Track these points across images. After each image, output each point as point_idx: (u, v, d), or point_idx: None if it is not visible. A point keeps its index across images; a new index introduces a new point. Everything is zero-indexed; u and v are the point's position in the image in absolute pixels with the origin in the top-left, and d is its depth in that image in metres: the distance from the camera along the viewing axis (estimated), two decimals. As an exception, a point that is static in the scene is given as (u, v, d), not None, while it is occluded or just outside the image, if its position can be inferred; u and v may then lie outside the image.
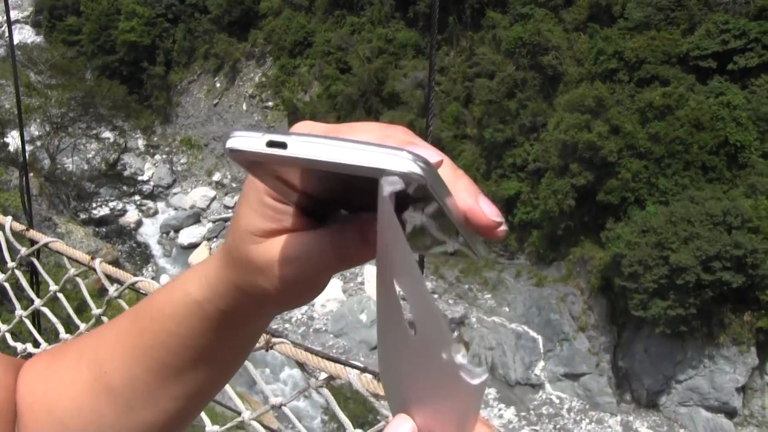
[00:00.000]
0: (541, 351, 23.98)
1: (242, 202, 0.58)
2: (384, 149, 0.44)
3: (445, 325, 0.42)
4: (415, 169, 0.44)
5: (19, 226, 2.19)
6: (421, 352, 0.45)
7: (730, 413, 21.38)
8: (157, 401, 0.70)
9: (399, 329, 0.47)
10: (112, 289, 1.90)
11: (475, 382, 0.43)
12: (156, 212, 33.50)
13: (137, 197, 34.03)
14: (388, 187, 0.43)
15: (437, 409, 0.47)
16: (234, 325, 0.66)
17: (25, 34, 41.07)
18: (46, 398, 0.74)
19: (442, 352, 0.43)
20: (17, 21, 41.11)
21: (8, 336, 2.42)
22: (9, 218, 2.17)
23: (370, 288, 25.97)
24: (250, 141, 0.46)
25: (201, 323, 0.65)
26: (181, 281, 0.68)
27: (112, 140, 33.70)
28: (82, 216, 30.77)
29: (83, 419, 0.72)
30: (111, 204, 32.96)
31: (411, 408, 0.49)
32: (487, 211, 0.49)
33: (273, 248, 0.57)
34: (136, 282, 1.87)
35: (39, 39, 40.84)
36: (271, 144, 0.46)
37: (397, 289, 0.45)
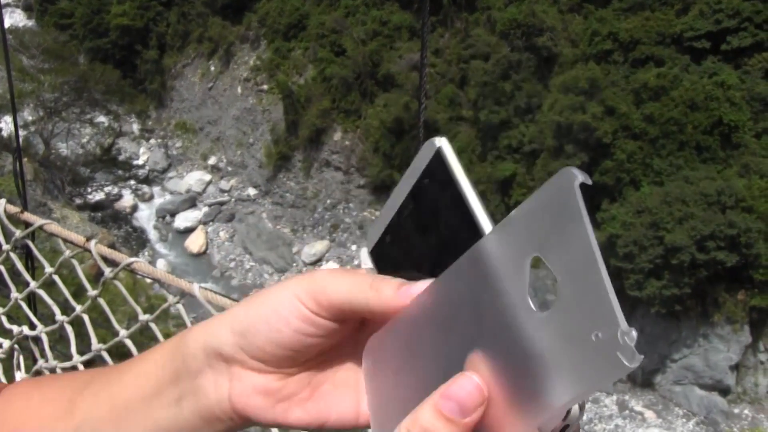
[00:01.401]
0: (537, 332, 24.10)
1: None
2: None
3: (614, 297, 0.36)
4: None
5: (13, 209, 2.20)
6: (555, 332, 0.39)
7: (724, 391, 21.55)
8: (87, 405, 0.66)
9: (517, 308, 0.42)
10: (108, 271, 1.92)
11: (633, 364, 0.36)
12: (151, 197, 33.42)
13: (132, 182, 33.91)
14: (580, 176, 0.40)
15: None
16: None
17: (16, 18, 40.72)
18: (21, 415, 0.70)
19: (594, 332, 0.36)
20: (8, 5, 40.74)
21: (4, 319, 2.43)
22: (3, 201, 2.18)
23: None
24: None
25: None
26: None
27: (106, 125, 33.56)
28: (78, 201, 30.71)
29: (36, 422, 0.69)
30: (106, 189, 32.86)
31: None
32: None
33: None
34: (132, 263, 1.89)
35: (31, 23, 40.50)
36: None
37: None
